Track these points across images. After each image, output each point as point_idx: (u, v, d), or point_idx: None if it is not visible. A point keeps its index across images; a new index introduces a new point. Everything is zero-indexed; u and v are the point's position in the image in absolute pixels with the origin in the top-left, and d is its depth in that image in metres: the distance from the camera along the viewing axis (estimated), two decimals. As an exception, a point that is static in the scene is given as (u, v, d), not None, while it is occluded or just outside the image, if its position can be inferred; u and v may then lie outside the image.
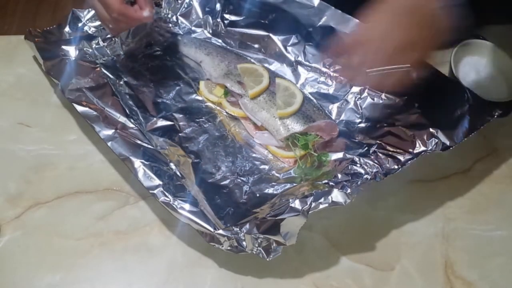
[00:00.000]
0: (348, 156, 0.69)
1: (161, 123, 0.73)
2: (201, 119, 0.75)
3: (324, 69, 0.79)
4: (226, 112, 0.77)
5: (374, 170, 0.65)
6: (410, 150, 0.67)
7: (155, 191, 0.62)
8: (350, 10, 0.76)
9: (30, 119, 0.76)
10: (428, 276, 0.63)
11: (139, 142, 0.67)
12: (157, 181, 0.62)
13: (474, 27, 0.60)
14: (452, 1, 0.56)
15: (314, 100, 0.75)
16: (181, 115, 0.75)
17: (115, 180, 0.70)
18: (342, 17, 0.76)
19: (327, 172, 0.68)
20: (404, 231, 0.67)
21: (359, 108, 0.75)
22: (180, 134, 0.73)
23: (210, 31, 0.87)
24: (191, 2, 0.88)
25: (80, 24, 0.82)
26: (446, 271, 0.63)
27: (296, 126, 0.70)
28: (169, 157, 0.68)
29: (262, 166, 0.71)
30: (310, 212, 0.58)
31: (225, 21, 0.85)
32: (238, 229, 0.59)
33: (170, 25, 0.88)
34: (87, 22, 0.82)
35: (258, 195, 0.67)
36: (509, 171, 0.73)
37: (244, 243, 0.59)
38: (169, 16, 0.88)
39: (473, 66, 0.79)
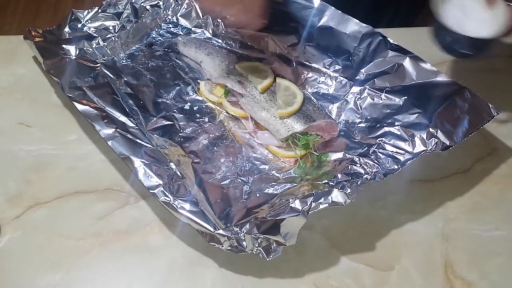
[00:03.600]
0: (348, 156, 0.69)
1: (161, 122, 0.73)
2: (201, 119, 0.75)
3: (324, 69, 0.79)
4: (226, 112, 0.77)
5: (374, 170, 0.65)
6: (410, 150, 0.67)
7: (155, 191, 0.62)
8: (350, 11, 0.77)
9: (30, 119, 0.76)
10: (428, 276, 0.63)
11: (139, 141, 0.67)
12: (158, 181, 0.62)
13: None
14: None
15: (314, 100, 0.75)
16: (181, 115, 0.75)
17: (115, 180, 0.70)
18: (342, 17, 0.76)
19: (327, 172, 0.68)
20: (404, 231, 0.67)
21: (359, 108, 0.75)
22: (180, 134, 0.73)
23: (210, 32, 0.87)
24: (191, 2, 0.88)
25: (79, 25, 0.82)
26: (446, 271, 0.63)
27: (296, 126, 0.70)
28: (169, 157, 0.68)
29: (262, 166, 0.71)
30: (310, 212, 0.58)
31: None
32: (238, 229, 0.59)
33: (170, 25, 0.88)
34: (87, 23, 0.83)
35: (258, 195, 0.67)
36: (509, 170, 0.73)
37: (244, 243, 0.59)
38: (169, 16, 0.88)
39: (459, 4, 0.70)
